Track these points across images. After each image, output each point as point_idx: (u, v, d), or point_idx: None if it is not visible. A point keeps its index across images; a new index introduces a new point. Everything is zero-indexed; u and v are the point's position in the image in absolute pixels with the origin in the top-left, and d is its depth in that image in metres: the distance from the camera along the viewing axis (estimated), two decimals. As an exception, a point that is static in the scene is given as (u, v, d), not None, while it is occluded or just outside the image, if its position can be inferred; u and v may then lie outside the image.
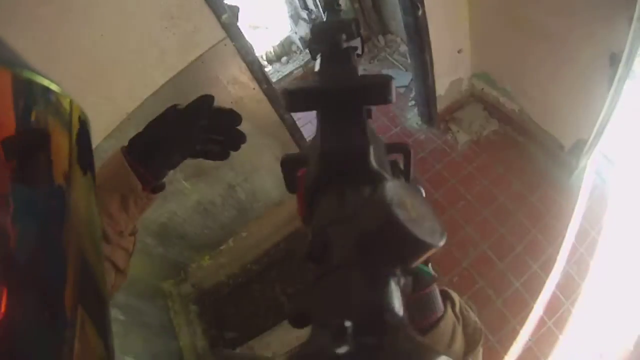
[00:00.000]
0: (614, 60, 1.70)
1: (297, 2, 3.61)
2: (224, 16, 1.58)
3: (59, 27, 1.30)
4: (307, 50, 3.84)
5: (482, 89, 2.81)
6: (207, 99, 0.63)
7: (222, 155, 0.67)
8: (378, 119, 3.12)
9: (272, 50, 3.85)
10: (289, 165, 0.42)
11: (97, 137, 1.53)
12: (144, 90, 1.61)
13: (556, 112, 2.30)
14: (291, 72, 3.74)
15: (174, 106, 0.64)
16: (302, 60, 3.79)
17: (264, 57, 3.86)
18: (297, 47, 3.89)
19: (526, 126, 2.58)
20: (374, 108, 0.40)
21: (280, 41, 3.86)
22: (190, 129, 0.63)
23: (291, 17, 3.76)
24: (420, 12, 2.19)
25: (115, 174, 0.60)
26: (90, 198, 0.34)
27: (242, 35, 1.71)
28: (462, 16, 2.44)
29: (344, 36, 0.44)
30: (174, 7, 1.48)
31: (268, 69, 3.89)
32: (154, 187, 0.65)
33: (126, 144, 0.64)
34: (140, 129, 0.64)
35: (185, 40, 1.59)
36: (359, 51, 0.54)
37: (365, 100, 0.37)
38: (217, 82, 1.79)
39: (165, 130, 0.63)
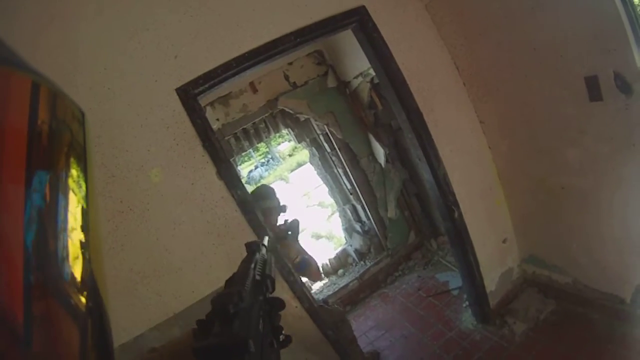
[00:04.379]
0: None
1: (351, 215, 4.16)
2: (266, 238, 1.95)
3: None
4: (362, 262, 4.13)
5: (533, 272, 2.78)
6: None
7: None
8: (433, 325, 3.09)
9: (328, 263, 4.20)
10: None
11: (142, 326, 1.78)
12: (191, 295, 1.86)
13: (608, 268, 2.22)
14: (347, 285, 3.91)
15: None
16: (358, 272, 4.01)
17: (322, 270, 4.19)
18: (353, 259, 4.21)
19: (583, 295, 2.47)
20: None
21: (337, 254, 4.25)
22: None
23: (345, 229, 4.25)
24: (456, 215, 2.42)
25: None
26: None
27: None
28: (500, 207, 2.64)
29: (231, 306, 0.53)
30: (222, 227, 1.91)
31: (325, 281, 4.16)
32: None
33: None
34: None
35: (231, 257, 1.94)
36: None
37: (230, 356, 0.47)
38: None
39: None
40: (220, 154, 1.93)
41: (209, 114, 3.51)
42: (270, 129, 3.86)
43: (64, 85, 0.43)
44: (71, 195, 0.39)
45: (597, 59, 1.68)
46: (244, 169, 18.71)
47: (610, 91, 1.69)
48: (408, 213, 4.05)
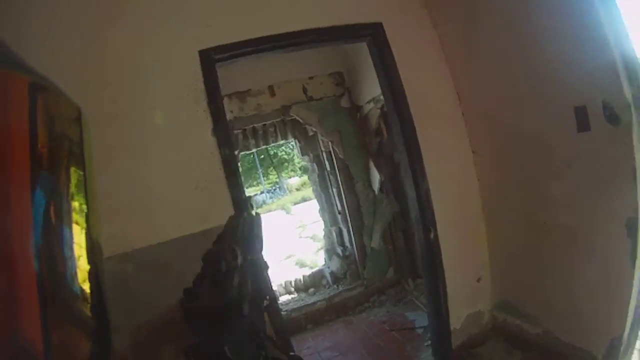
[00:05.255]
0: (631, 226, 1.69)
1: (335, 237, 4.19)
2: (239, 201, 2.01)
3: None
4: (335, 286, 4.10)
5: (504, 319, 2.66)
6: None
7: None
8: (392, 358, 3.03)
9: (301, 279, 4.17)
10: None
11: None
12: (154, 236, 1.91)
13: (582, 317, 2.09)
14: (314, 303, 3.87)
15: None
16: (328, 294, 3.99)
17: (293, 284, 4.15)
18: (327, 281, 4.18)
19: (552, 348, 2.30)
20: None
21: (312, 272, 4.23)
22: None
23: (327, 251, 4.26)
24: (432, 235, 2.44)
25: None
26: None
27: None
28: (479, 243, 2.62)
29: (223, 263, 0.54)
30: (202, 181, 2.00)
31: (294, 296, 4.11)
32: None
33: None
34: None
35: (202, 210, 1.99)
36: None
37: (224, 317, 0.48)
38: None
39: None
40: (220, 113, 2.08)
41: (225, 104, 3.73)
42: (279, 134, 4.04)
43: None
44: (74, 203, 0.41)
45: (587, 89, 1.71)
46: (251, 192, 19.00)
47: (598, 121, 1.71)
48: (392, 247, 4.07)
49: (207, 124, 2.07)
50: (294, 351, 1.69)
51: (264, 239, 0.71)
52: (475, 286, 2.68)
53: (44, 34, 1.80)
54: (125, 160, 1.91)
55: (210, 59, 2.11)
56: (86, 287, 0.42)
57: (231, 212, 2.01)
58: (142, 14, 2.02)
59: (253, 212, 0.79)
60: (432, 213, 2.42)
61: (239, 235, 0.63)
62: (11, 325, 0.32)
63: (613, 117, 1.65)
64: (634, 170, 1.64)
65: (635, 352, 2.06)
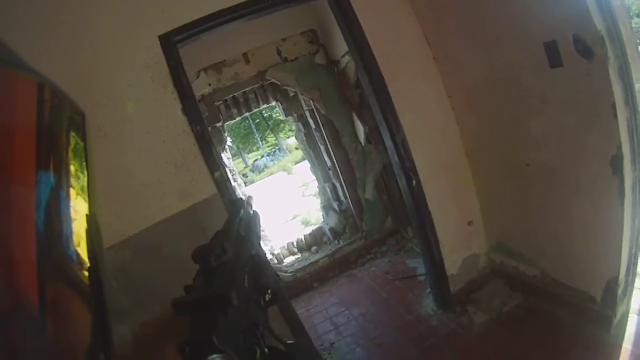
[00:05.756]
0: (615, 164, 1.67)
1: (330, 193, 4.29)
2: (216, 173, 2.11)
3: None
4: (336, 241, 4.25)
5: (502, 261, 2.71)
6: None
7: None
8: (393, 308, 3.15)
9: (302, 239, 4.33)
10: None
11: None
12: (144, 220, 2.02)
13: (576, 259, 2.11)
14: (317, 261, 4.02)
15: None
16: (330, 250, 4.13)
17: (295, 245, 4.32)
18: (328, 237, 4.33)
19: (550, 290, 2.35)
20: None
21: (312, 231, 4.38)
22: None
23: (323, 207, 4.38)
24: (414, 182, 2.49)
25: None
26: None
27: (234, 193, 2.19)
28: (467, 187, 2.67)
29: (213, 258, 0.55)
30: (179, 158, 2.07)
31: (297, 256, 4.29)
32: None
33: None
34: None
35: (183, 188, 2.09)
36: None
37: (212, 309, 0.47)
38: (204, 233, 1.99)
39: None
40: (187, 92, 2.11)
41: (202, 78, 3.70)
42: (260, 99, 4.03)
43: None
44: (72, 190, 0.41)
45: (556, 23, 1.64)
46: (251, 158, 19.08)
47: (571, 57, 1.64)
48: (387, 197, 4.15)
49: (177, 104, 2.12)
50: (308, 336, 1.78)
51: (260, 235, 0.71)
52: (467, 230, 2.74)
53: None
54: (107, 150, 1.99)
55: (170, 42, 2.14)
56: (84, 254, 0.43)
57: (211, 185, 2.12)
58: (99, 9, 2.03)
59: (250, 211, 0.80)
60: (411, 160, 2.46)
61: (232, 232, 0.64)
62: (7, 276, 0.32)
63: (586, 51, 1.57)
64: (614, 105, 1.57)
65: (636, 291, 2.07)
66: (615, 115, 1.58)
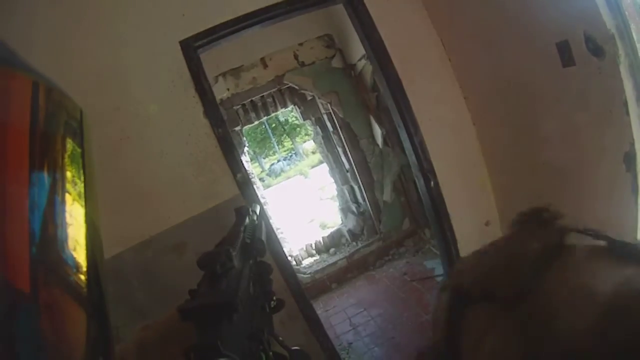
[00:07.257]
0: (629, 161, 1.66)
1: (348, 195, 4.34)
2: (239, 175, 2.20)
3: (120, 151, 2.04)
4: (354, 243, 4.30)
5: None
6: None
7: None
8: (411, 308, 3.21)
9: (321, 241, 4.40)
10: None
11: (120, 246, 2.02)
12: (167, 220, 2.11)
13: None
14: (336, 262, 4.09)
15: None
16: (348, 252, 4.19)
17: (314, 247, 4.39)
18: (346, 239, 4.38)
19: None
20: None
21: (331, 233, 4.43)
22: None
23: (342, 210, 4.44)
24: (432, 184, 2.53)
25: None
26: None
27: (256, 194, 2.27)
28: (484, 187, 2.69)
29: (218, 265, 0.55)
30: (202, 160, 2.17)
31: (316, 258, 4.35)
32: None
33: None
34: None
35: (206, 189, 2.19)
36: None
37: (217, 315, 0.49)
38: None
39: None
40: (208, 96, 2.21)
41: (220, 83, 3.83)
42: (278, 103, 4.13)
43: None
44: (68, 195, 0.40)
45: (567, 22, 1.65)
46: (267, 162, 19.30)
47: (583, 55, 1.65)
48: (404, 199, 4.18)
49: (199, 108, 2.20)
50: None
51: (265, 242, 0.73)
52: (484, 230, 2.71)
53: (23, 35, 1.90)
54: (129, 153, 2.10)
55: (191, 48, 2.21)
56: (80, 259, 0.42)
57: (233, 186, 2.20)
58: (120, 15, 2.13)
59: (255, 219, 0.81)
60: (429, 162, 2.50)
61: (238, 239, 0.65)
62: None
63: (597, 49, 1.59)
64: (626, 103, 1.59)
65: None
66: (628, 113, 1.59)
